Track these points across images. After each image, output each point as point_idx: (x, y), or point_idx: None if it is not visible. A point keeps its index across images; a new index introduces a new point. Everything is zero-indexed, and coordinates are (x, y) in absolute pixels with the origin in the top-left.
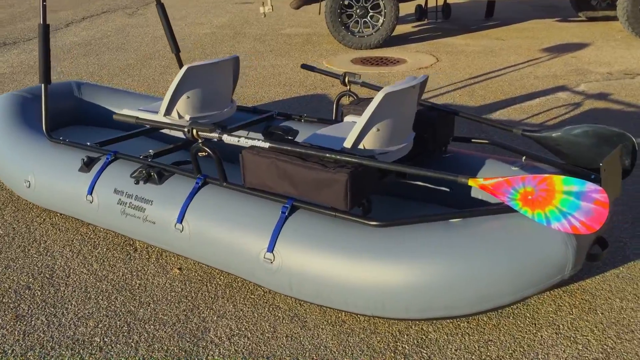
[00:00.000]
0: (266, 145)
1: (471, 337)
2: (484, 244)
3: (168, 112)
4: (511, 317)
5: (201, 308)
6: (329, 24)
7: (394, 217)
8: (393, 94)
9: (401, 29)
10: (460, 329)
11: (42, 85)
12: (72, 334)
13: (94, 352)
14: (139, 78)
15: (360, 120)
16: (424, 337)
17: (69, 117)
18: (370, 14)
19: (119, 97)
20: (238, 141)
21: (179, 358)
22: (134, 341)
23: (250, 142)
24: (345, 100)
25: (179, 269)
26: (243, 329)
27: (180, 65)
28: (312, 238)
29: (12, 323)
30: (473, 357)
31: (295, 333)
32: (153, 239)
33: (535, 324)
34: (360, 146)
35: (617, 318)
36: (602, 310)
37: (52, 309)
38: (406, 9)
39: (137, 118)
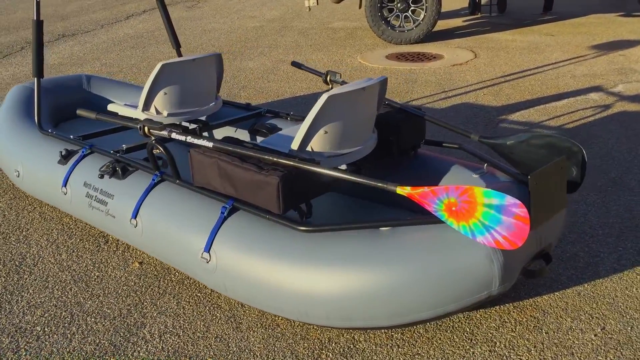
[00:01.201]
0: (210, 144)
1: (400, 349)
2: (406, 255)
3: (146, 107)
4: (449, 331)
5: (145, 303)
6: (369, 18)
7: (350, 218)
8: (338, 96)
9: (450, 23)
10: (392, 340)
11: (35, 79)
12: (17, 321)
13: (30, 340)
14: None
15: (304, 123)
16: (352, 346)
17: (76, 109)
18: (412, 8)
19: (126, 90)
20: (185, 139)
21: (106, 352)
22: (71, 332)
23: (197, 141)
24: None
25: (140, 263)
26: (177, 327)
27: None
28: (245, 240)
29: None
30: None
31: (226, 334)
32: (114, 232)
33: (471, 340)
34: (308, 148)
35: (561, 339)
36: (548, 330)
37: (9, 296)
38: (461, 1)
39: (97, 114)
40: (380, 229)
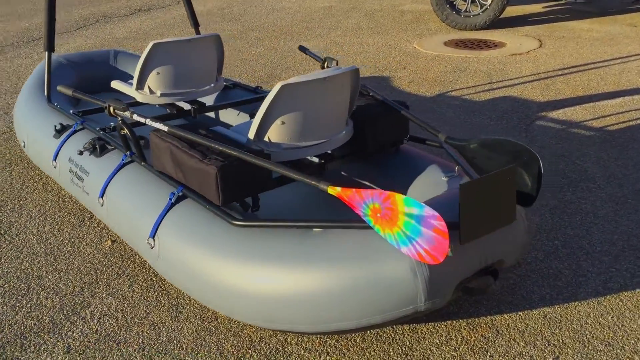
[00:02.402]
0: (165, 128)
1: (329, 357)
2: (331, 260)
3: (140, 86)
4: (387, 343)
5: (100, 283)
6: (432, 2)
7: (310, 216)
8: (292, 86)
9: (527, 9)
10: (324, 347)
11: (46, 52)
12: None
13: None
14: (227, 49)
15: (257, 113)
16: (280, 348)
17: (102, 84)
18: None
19: None
20: (145, 122)
21: (43, 329)
22: (20, 305)
23: (154, 124)
24: None
25: (113, 241)
26: (119, 311)
27: None
28: (185, 229)
29: None
30: None
31: (162, 323)
32: (89, 209)
33: (407, 355)
34: (265, 139)
35: None
36: (493, 353)
37: None
38: None
39: (73, 91)
40: (313, 229)
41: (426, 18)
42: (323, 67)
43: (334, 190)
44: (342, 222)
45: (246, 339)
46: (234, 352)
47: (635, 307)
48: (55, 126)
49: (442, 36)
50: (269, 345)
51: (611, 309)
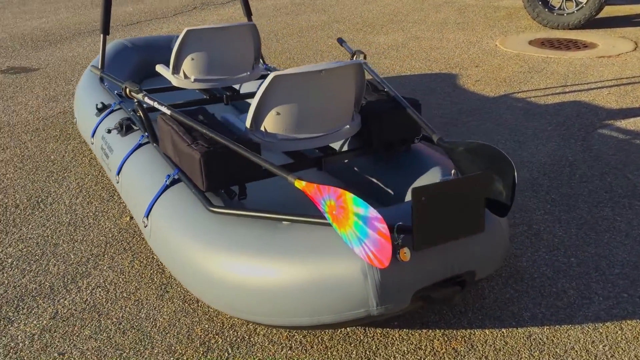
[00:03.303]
0: (168, 112)
1: (290, 352)
2: (290, 254)
3: (176, 70)
4: (353, 345)
5: (106, 256)
6: None
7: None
8: (285, 77)
9: (634, 9)
10: (290, 341)
11: (102, 35)
12: None
13: None
14: (306, 40)
15: (252, 102)
16: (246, 337)
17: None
18: None
19: None
20: (153, 104)
21: (40, 294)
22: (29, 269)
23: (160, 108)
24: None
25: (131, 218)
26: (112, 284)
27: None
28: (170, 211)
29: None
30: None
31: (146, 300)
32: (114, 185)
33: (369, 359)
34: (262, 128)
35: None
36: None
37: (11, 228)
38: None
39: (102, 72)
40: (283, 222)
41: (520, 15)
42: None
43: (299, 184)
44: (310, 217)
45: (218, 324)
46: (202, 336)
47: (635, 338)
48: (96, 105)
49: (529, 34)
50: (237, 333)
51: (606, 337)
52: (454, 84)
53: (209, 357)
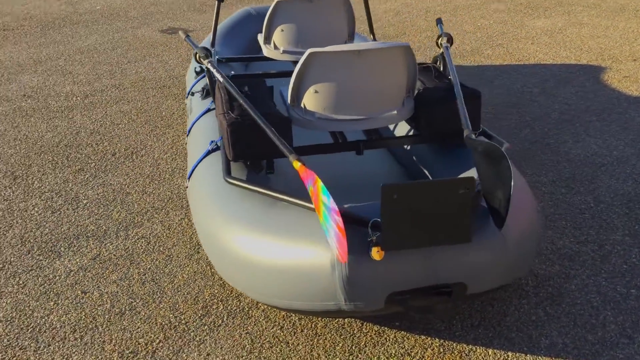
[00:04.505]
0: (221, 79)
1: (281, 331)
2: (273, 235)
3: (267, 41)
4: (343, 337)
5: (163, 211)
6: None
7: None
8: (319, 54)
9: None
10: (285, 320)
11: (216, 2)
12: (73, 193)
13: (63, 203)
14: (452, 18)
15: (291, 78)
16: (246, 309)
17: None
18: None
19: None
20: (212, 71)
21: (94, 235)
22: (95, 213)
23: (217, 76)
24: None
25: None
26: (155, 237)
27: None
28: (202, 177)
29: (73, 174)
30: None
31: (177, 258)
32: None
33: (351, 354)
34: (302, 106)
35: None
36: None
37: (100, 173)
38: None
39: (186, 36)
40: (280, 201)
41: None
42: (437, 42)
43: (296, 165)
44: (304, 200)
45: (227, 291)
46: (207, 300)
47: None
48: (195, 68)
49: None
50: (239, 303)
51: None
52: (596, 77)
53: (204, 321)
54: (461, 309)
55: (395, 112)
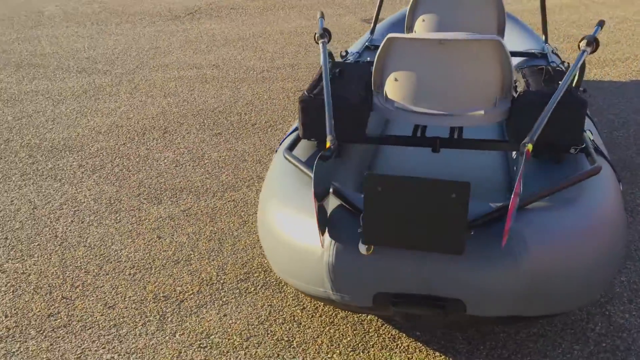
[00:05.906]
0: (321, 59)
1: (295, 309)
2: (288, 210)
3: (409, 30)
4: (355, 332)
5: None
6: None
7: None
8: (398, 40)
9: None
10: (302, 301)
11: None
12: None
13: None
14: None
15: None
16: (262, 283)
17: None
18: None
19: None
20: (321, 52)
21: (197, 192)
22: (219, 169)
23: (321, 57)
24: None
25: None
26: (239, 203)
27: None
28: (279, 150)
29: (210, 137)
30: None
31: (225, 226)
32: None
33: (354, 350)
34: (384, 93)
35: None
36: None
37: (234, 139)
38: None
39: (321, 15)
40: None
41: None
42: (578, 44)
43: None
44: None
45: (253, 264)
46: (254, 268)
47: None
48: (340, 52)
49: None
50: (257, 277)
51: None
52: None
53: (239, 285)
54: (492, 333)
55: (483, 112)
